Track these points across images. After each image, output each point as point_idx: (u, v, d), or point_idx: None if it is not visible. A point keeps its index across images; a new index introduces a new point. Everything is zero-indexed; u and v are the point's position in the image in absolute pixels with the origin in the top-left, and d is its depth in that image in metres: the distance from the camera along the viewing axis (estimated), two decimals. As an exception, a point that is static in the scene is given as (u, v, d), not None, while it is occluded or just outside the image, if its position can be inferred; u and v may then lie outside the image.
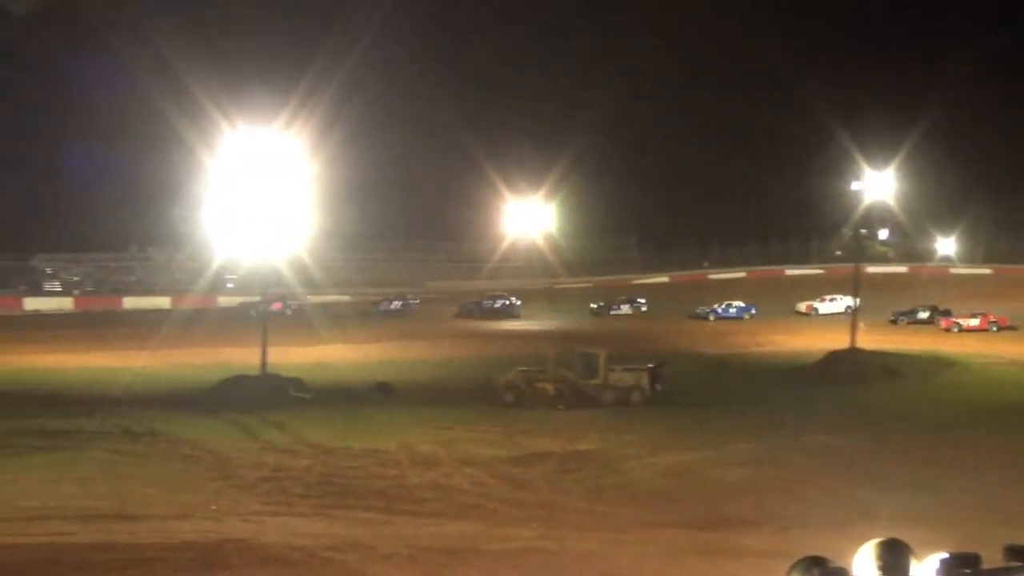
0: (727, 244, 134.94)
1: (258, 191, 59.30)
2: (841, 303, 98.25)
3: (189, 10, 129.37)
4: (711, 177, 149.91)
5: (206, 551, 29.26)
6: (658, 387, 57.76)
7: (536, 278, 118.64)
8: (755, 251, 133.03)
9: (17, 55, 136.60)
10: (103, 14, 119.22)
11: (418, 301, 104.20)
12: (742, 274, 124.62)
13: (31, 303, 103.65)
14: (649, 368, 58.56)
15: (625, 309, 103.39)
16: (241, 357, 62.11)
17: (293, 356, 64.63)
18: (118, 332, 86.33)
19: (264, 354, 59.27)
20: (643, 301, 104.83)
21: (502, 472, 40.51)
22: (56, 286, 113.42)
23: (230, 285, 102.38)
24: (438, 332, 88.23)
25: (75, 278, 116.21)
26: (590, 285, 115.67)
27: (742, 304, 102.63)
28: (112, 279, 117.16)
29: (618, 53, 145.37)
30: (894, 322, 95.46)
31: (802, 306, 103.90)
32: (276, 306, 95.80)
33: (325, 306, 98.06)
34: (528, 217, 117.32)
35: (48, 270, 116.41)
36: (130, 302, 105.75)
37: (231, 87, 66.13)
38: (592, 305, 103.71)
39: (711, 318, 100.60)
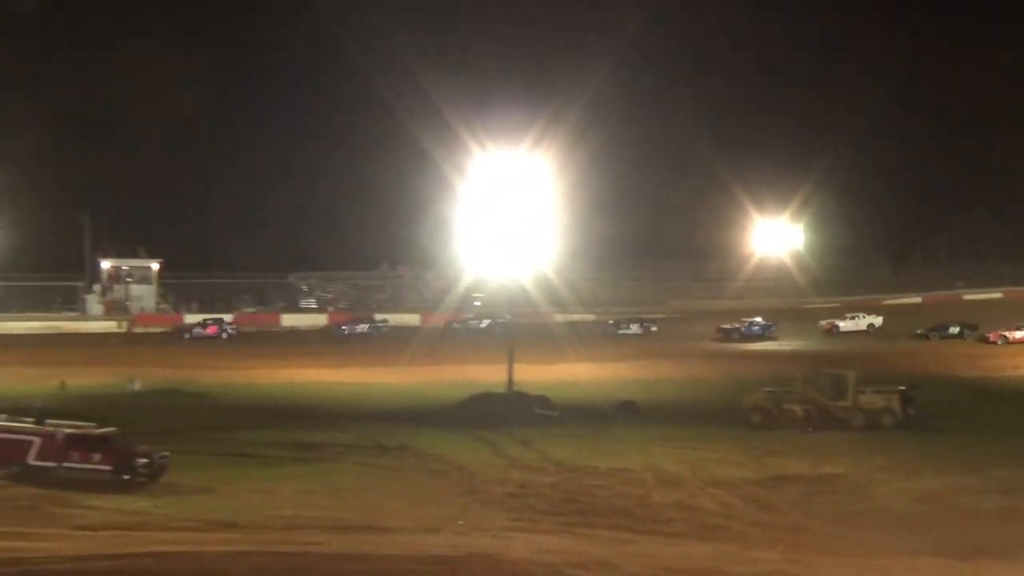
0: (982, 261, 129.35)
1: (506, 210, 60.07)
2: (863, 320, 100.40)
3: (438, 33, 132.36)
4: (967, 192, 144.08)
5: (453, 565, 29.79)
6: (910, 410, 55.87)
7: (783, 297, 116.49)
8: (1011, 271, 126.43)
9: (272, 83, 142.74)
10: (353, 38, 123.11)
11: (653, 325, 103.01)
12: (999, 294, 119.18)
13: (288, 319, 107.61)
14: (901, 390, 56.78)
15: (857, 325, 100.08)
16: (487, 375, 62.96)
17: (538, 374, 65.06)
18: (369, 349, 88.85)
19: (510, 372, 59.94)
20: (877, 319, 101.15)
21: (748, 494, 39.96)
22: (312, 303, 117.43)
23: (477, 303, 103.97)
24: (683, 352, 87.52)
25: (329, 295, 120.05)
26: (838, 305, 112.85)
27: (764, 321, 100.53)
28: (364, 297, 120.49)
29: (866, 74, 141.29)
30: (926, 337, 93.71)
31: (823, 323, 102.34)
32: (211, 330, 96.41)
33: (572, 325, 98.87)
34: (775, 236, 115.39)
35: (304, 288, 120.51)
36: (382, 317, 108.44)
37: (480, 108, 67.40)
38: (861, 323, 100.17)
39: (735, 336, 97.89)
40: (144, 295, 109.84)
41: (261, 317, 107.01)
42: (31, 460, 41.50)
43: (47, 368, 69.29)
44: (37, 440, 41.66)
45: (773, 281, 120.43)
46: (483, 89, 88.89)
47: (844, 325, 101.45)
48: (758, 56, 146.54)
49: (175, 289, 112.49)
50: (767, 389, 57.74)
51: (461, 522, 35.68)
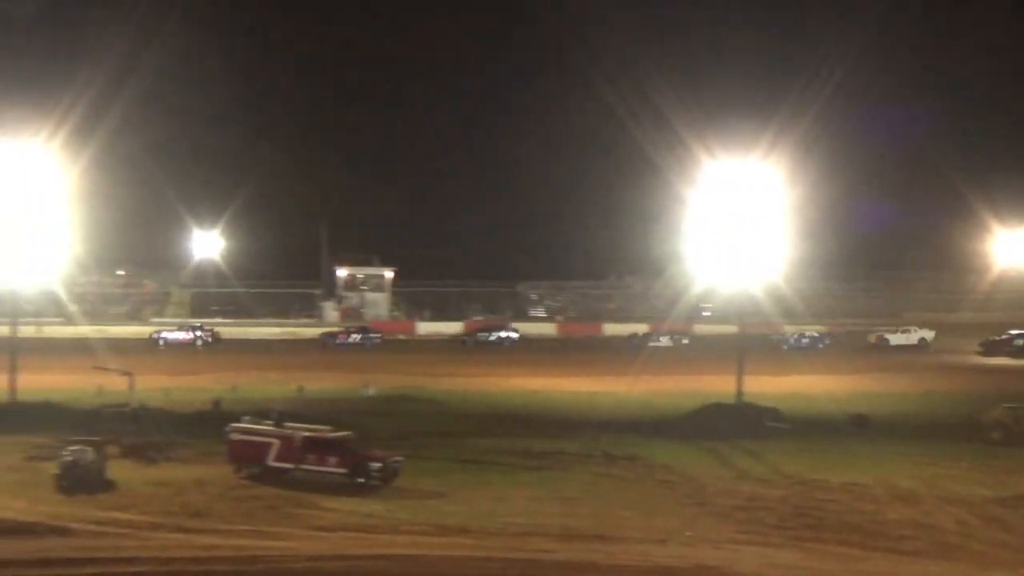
0: None
1: (736, 219, 59.45)
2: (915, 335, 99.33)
3: (667, 43, 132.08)
4: None
5: (680, 576, 29.71)
6: None
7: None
8: None
9: (504, 97, 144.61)
10: (583, 49, 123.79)
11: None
12: None
13: (518, 328, 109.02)
14: None
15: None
16: (716, 385, 62.37)
17: (768, 385, 64.15)
18: (597, 358, 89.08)
19: (740, 383, 59.28)
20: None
21: (987, 512, 38.57)
22: (541, 312, 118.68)
23: (707, 314, 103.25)
24: (916, 364, 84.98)
25: (558, 304, 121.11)
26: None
27: (816, 334, 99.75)
28: (593, 306, 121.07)
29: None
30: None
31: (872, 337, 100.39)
32: (187, 337, 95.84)
33: (803, 335, 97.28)
34: (1018, 247, 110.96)
35: (534, 296, 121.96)
36: (609, 329, 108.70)
37: (710, 117, 66.87)
38: None
39: (784, 347, 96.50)
40: (378, 302, 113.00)
41: (492, 324, 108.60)
42: (270, 461, 43.10)
43: (286, 372, 71.83)
44: (276, 442, 43.23)
45: (1017, 293, 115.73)
46: (713, 98, 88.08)
47: (894, 339, 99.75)
48: (999, 62, 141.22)
49: (408, 297, 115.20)
50: (1007, 405, 55.55)
51: (689, 533, 35.49)
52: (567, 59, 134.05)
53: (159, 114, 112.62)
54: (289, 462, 42.94)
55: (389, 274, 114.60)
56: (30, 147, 57.18)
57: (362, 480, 41.84)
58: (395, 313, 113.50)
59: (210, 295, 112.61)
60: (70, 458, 41.26)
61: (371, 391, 65.37)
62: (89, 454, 41.52)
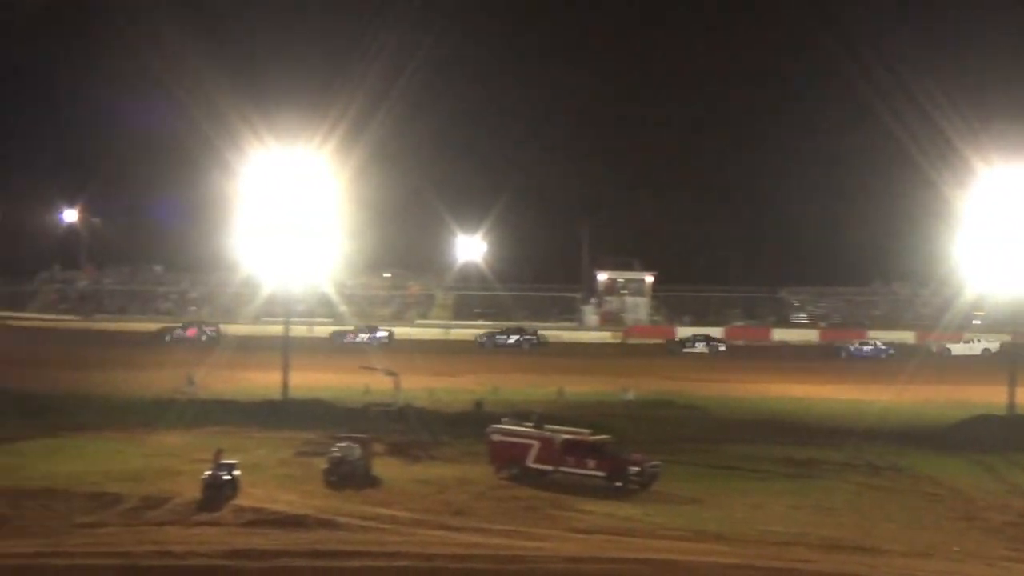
0: None
1: (1013, 226, 57.24)
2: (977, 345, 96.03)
3: (933, 45, 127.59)
4: None
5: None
6: None
7: None
8: None
9: (767, 103, 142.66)
10: (851, 58, 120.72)
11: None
12: None
13: (779, 334, 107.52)
14: None
15: None
16: (985, 396, 60.12)
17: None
18: (856, 367, 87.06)
19: (1011, 394, 56.94)
20: None
21: None
22: (803, 318, 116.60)
23: (977, 321, 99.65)
24: None
25: (821, 310, 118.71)
26: None
27: (880, 344, 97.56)
28: (856, 313, 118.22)
29: None
30: None
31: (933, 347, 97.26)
32: (191, 332, 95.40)
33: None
34: None
35: (796, 302, 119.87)
36: (874, 335, 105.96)
37: (981, 120, 64.47)
38: None
39: (842, 355, 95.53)
40: (638, 307, 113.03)
41: (751, 331, 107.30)
42: (530, 463, 43.67)
43: (545, 375, 72.64)
44: (536, 444, 43.78)
45: None
46: (985, 99, 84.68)
47: (956, 349, 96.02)
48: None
49: (667, 302, 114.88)
50: None
51: (956, 549, 34.34)
52: (832, 63, 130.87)
53: (424, 119, 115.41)
54: (548, 464, 43.43)
55: (649, 278, 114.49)
56: (303, 153, 59.56)
57: (620, 484, 41.94)
58: (655, 318, 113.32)
59: (472, 298, 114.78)
60: (338, 454, 42.77)
61: (630, 395, 65.43)
62: (356, 451, 42.94)
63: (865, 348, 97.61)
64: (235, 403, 58.75)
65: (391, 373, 56.04)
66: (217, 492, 38.96)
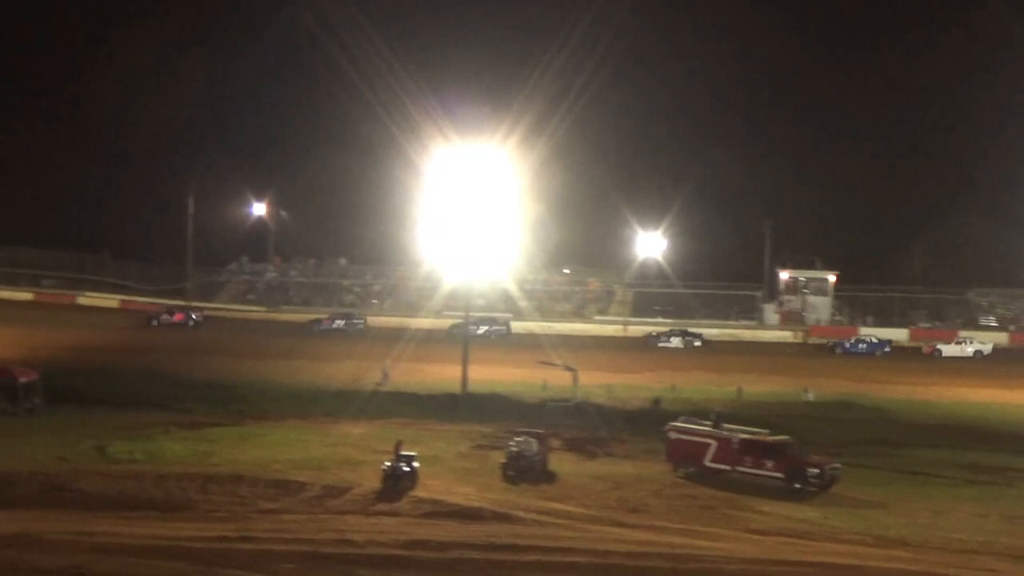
0: None
1: None
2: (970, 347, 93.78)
3: None
4: None
5: None
6: None
7: None
8: None
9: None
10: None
11: None
12: None
13: (966, 336, 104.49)
14: None
15: None
16: None
17: None
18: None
19: None
20: None
21: None
22: (992, 320, 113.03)
23: None
24: None
25: (1011, 313, 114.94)
26: None
27: (875, 339, 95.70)
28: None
29: None
30: None
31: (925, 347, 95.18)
32: (178, 317, 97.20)
33: None
34: None
35: (984, 303, 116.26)
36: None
37: None
38: None
39: (837, 351, 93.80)
40: (820, 307, 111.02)
41: (937, 333, 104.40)
42: (707, 462, 43.41)
43: (724, 374, 72.00)
44: (713, 443, 43.49)
45: None
46: None
47: (947, 350, 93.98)
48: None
49: (850, 302, 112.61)
50: None
51: None
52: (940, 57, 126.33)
53: (606, 116, 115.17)
54: (726, 463, 43.11)
55: (831, 278, 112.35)
56: (486, 149, 60.18)
57: (799, 485, 41.42)
58: (837, 318, 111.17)
59: (651, 294, 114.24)
60: (516, 449, 43.12)
61: (811, 396, 64.48)
62: (533, 445, 43.24)
63: (860, 346, 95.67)
64: (415, 396, 59.78)
65: (569, 368, 56.25)
66: (396, 483, 39.70)
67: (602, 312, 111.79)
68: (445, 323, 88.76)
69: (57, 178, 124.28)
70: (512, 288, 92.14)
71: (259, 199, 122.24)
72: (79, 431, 49.68)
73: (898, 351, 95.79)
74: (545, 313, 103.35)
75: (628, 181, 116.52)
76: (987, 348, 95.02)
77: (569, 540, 33.53)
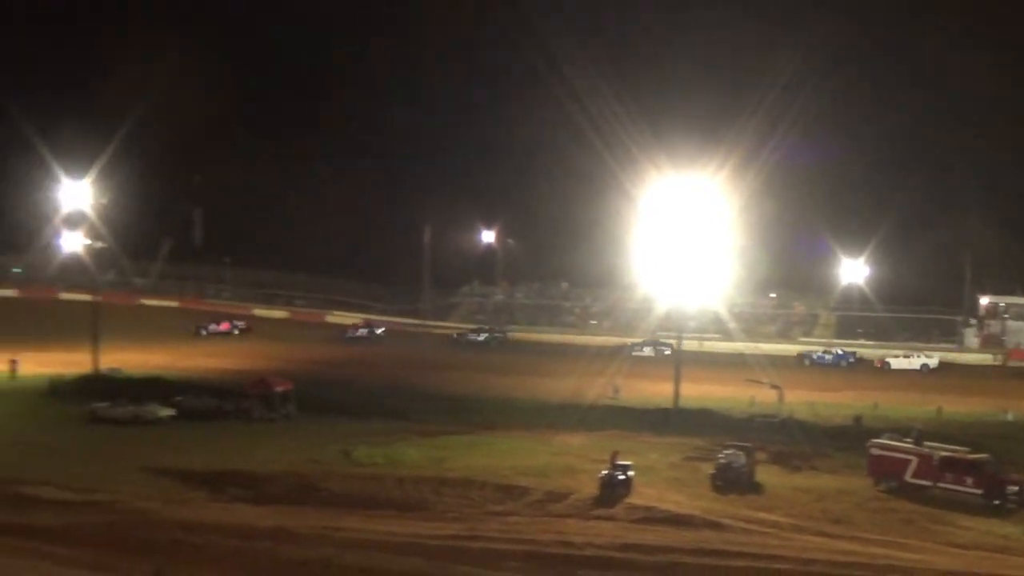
0: None
1: None
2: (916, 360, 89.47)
3: None
4: None
5: None
6: None
7: None
8: None
9: None
10: None
11: None
12: None
13: None
14: None
15: None
16: None
17: None
18: None
19: None
20: None
21: None
22: None
23: None
24: None
25: None
26: None
27: (840, 351, 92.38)
28: None
29: None
30: None
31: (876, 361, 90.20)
32: (224, 326, 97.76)
33: None
34: None
35: None
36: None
37: None
38: None
39: (806, 363, 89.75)
40: (1019, 331, 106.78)
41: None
42: (908, 477, 42.36)
43: (925, 394, 69.92)
44: (914, 460, 42.43)
45: None
46: None
47: (896, 363, 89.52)
48: None
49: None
50: None
51: None
52: None
53: (812, 147, 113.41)
54: (926, 479, 42.04)
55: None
56: (698, 179, 60.01)
57: (998, 502, 40.04)
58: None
59: (854, 318, 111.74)
60: (724, 460, 42.90)
61: (1010, 416, 62.00)
62: (741, 458, 42.95)
63: (827, 357, 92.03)
64: (630, 410, 59.86)
65: (775, 386, 55.52)
66: (613, 490, 39.95)
67: (807, 334, 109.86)
68: (610, 341, 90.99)
69: (314, 209, 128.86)
70: (721, 311, 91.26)
71: (489, 228, 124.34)
72: (327, 436, 51.55)
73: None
74: (752, 334, 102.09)
75: (834, 211, 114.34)
76: None
77: (775, 548, 33.20)
